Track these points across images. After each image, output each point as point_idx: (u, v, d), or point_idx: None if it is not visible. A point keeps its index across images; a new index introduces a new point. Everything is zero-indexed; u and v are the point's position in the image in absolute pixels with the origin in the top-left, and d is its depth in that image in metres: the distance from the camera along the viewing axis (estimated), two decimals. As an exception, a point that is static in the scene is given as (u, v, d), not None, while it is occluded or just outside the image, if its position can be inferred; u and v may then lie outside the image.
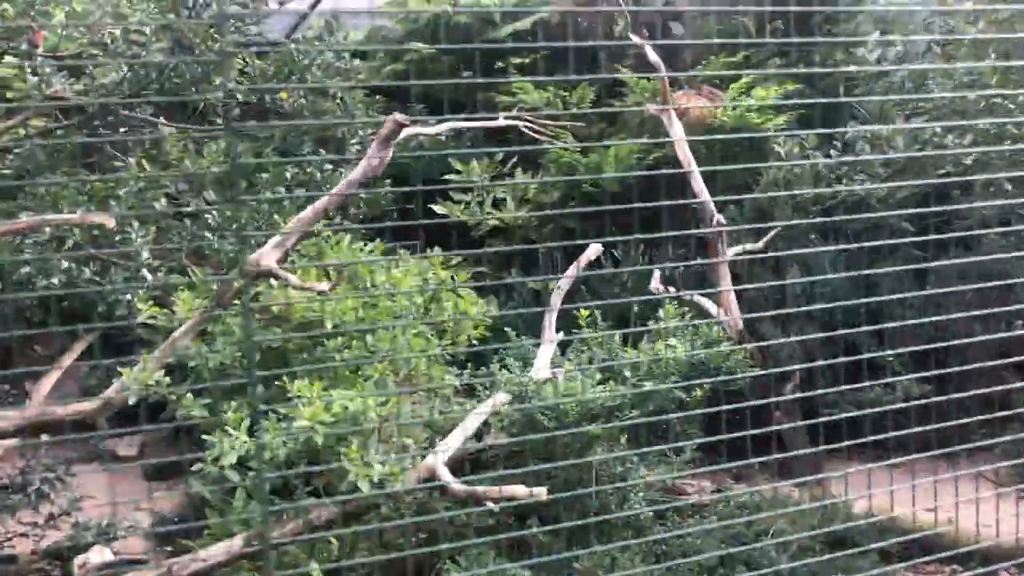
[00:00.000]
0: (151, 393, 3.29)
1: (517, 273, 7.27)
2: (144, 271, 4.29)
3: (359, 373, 3.49)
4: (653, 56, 6.23)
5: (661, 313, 4.69)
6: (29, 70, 5.48)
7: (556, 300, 4.53)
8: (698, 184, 6.19)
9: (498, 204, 7.59)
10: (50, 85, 5.54)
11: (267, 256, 3.53)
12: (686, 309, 5.30)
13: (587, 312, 4.29)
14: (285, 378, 3.18)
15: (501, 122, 4.87)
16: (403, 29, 8.56)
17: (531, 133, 4.97)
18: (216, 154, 6.10)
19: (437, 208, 7.36)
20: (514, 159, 7.56)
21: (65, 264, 4.25)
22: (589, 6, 7.87)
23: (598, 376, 3.89)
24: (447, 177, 7.50)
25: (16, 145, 5.79)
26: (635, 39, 6.23)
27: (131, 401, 3.30)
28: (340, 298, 3.61)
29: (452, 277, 4.45)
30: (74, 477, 4.53)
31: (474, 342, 4.13)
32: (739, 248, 6.35)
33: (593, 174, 7.23)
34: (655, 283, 6.28)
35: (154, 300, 3.72)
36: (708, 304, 6.23)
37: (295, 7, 7.98)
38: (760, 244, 6.38)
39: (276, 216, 4.45)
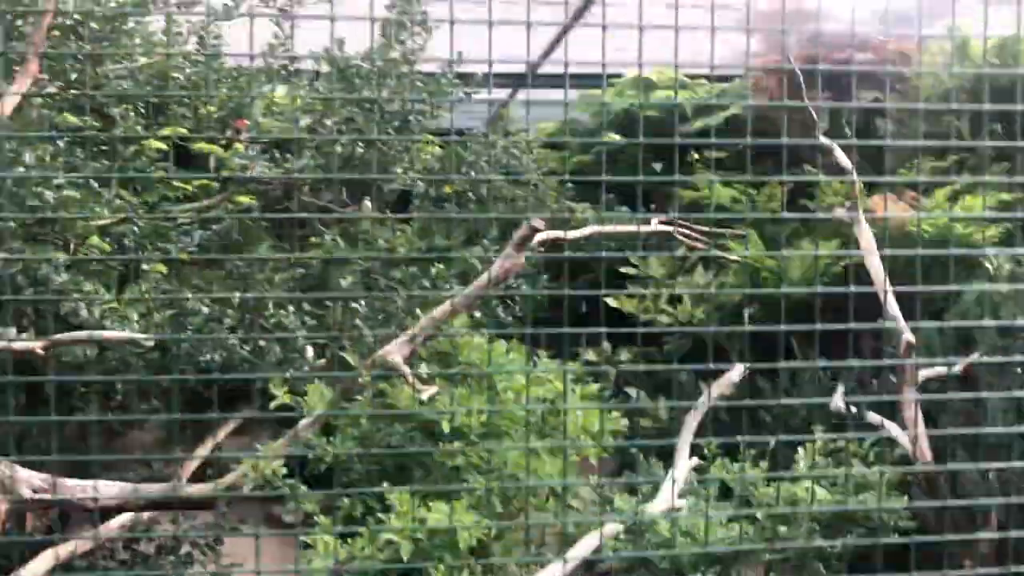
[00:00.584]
0: (268, 483, 3.34)
1: (687, 374, 6.96)
2: (299, 355, 4.42)
3: (465, 483, 3.39)
4: (843, 159, 5.86)
5: (815, 441, 4.26)
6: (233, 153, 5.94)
7: (692, 421, 4.23)
8: (887, 297, 5.68)
9: (675, 301, 7.36)
10: (251, 168, 5.97)
11: (395, 351, 3.52)
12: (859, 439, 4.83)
13: (713, 445, 3.96)
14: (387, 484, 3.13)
15: (654, 227, 4.69)
16: (594, 121, 8.60)
17: (684, 240, 4.76)
18: (407, 236, 6.34)
19: (611, 301, 7.23)
20: (695, 256, 7.33)
21: (232, 341, 4.47)
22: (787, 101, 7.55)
23: (728, 513, 3.57)
24: (623, 270, 7.38)
25: (220, 219, 6.27)
26: (823, 140, 5.88)
27: (246, 490, 3.36)
28: (464, 400, 3.55)
29: (590, 377, 4.27)
30: (220, 545, 4.67)
31: (591, 461, 3.91)
32: (932, 371, 5.75)
33: (776, 278, 6.86)
34: (836, 401, 5.80)
35: (288, 386, 3.81)
36: (895, 430, 5.67)
37: (494, 95, 8.23)
38: (958, 368, 5.75)
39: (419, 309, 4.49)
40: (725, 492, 4.14)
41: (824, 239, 6.85)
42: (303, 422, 3.56)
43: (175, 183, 6.12)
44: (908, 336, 5.61)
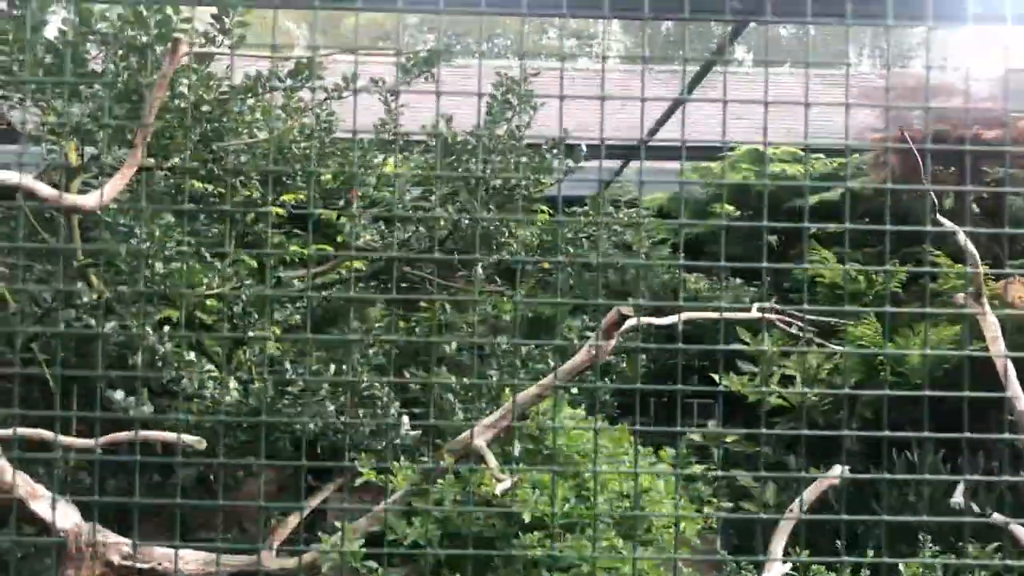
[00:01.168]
0: (348, 564, 3.34)
1: (797, 458, 6.67)
2: (391, 427, 4.44)
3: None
4: (968, 245, 5.56)
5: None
6: (346, 223, 6.13)
7: (786, 524, 4.00)
8: (1015, 389, 5.32)
9: (786, 381, 7.09)
10: (360, 237, 6.15)
11: (479, 435, 3.49)
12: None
13: (806, 552, 3.71)
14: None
15: (753, 314, 4.53)
16: (708, 193, 8.49)
17: (784, 328, 4.58)
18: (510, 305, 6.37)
19: (718, 378, 7.03)
20: (807, 335, 7.06)
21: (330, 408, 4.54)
22: (908, 180, 7.27)
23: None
24: (734, 347, 7.18)
25: (332, 284, 6.46)
26: (946, 223, 5.60)
27: (324, 568, 3.37)
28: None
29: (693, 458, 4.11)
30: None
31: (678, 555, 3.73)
32: (1066, 472, 5.32)
33: (895, 360, 6.52)
34: (958, 497, 5.44)
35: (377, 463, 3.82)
36: (1022, 534, 5.26)
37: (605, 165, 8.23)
38: (1094, 470, 5.31)
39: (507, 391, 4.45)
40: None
41: (946, 324, 6.50)
42: (384, 502, 3.55)
43: (291, 248, 6.35)
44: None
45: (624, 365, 6.34)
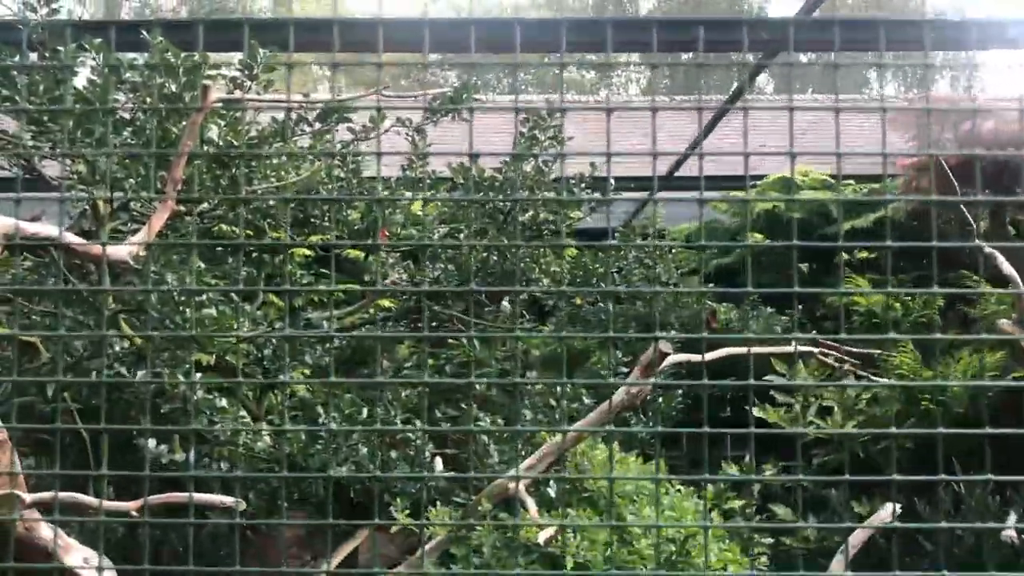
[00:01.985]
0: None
1: (839, 492, 6.51)
2: (424, 470, 4.37)
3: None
4: (1007, 267, 5.45)
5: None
6: (376, 262, 6.12)
7: (839, 567, 3.86)
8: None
9: (824, 413, 6.95)
10: (388, 276, 6.13)
11: (518, 480, 3.41)
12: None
13: None
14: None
15: (786, 348, 4.43)
16: (736, 222, 8.41)
17: (824, 360, 4.47)
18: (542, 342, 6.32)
19: (756, 412, 6.91)
20: (846, 366, 6.93)
21: (362, 451, 4.48)
22: (940, 203, 7.16)
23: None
24: (768, 379, 7.05)
25: (362, 325, 6.43)
26: (985, 247, 5.50)
27: (362, 618, 3.29)
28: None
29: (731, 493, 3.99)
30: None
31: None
32: (1120, 502, 5.16)
33: (935, 389, 6.37)
34: (1008, 533, 5.28)
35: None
36: (1076, 567, 5.08)
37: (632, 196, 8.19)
38: None
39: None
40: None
41: (989, 350, 6.35)
42: (425, 547, 3.48)
43: (321, 288, 6.33)
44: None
45: (660, 400, 6.23)
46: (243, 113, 3.94)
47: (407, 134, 5.04)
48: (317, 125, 4.09)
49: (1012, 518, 5.39)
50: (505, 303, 6.80)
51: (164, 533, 4.90)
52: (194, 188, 3.75)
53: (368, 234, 6.24)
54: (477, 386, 5.73)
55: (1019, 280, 5.44)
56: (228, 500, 2.55)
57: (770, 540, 6.13)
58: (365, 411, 4.25)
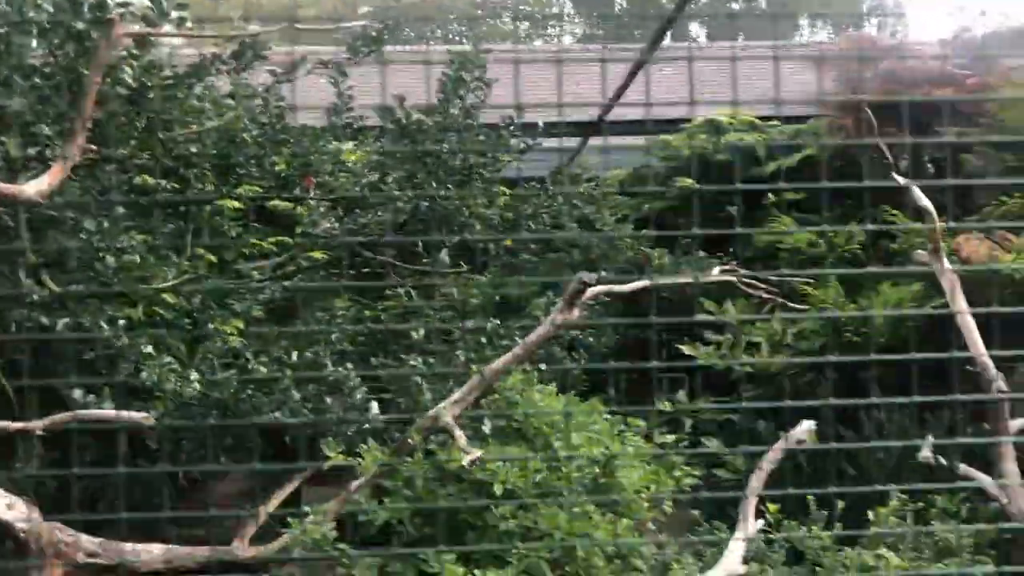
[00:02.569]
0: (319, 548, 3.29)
1: (767, 424, 6.71)
2: (359, 412, 4.39)
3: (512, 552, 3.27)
4: (923, 200, 5.60)
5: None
6: (303, 210, 6.05)
7: (756, 483, 4.02)
8: (973, 340, 5.37)
9: (752, 348, 7.12)
10: (318, 225, 6.07)
11: (446, 411, 3.46)
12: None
13: (775, 508, 3.74)
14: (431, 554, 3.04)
15: (715, 277, 4.53)
16: (667, 167, 8.50)
17: (747, 290, 4.59)
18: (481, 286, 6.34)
19: (685, 349, 7.05)
20: (772, 301, 7.10)
21: (297, 396, 4.48)
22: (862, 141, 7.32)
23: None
24: (699, 317, 7.19)
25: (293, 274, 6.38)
26: (900, 180, 5.65)
27: (295, 555, 3.32)
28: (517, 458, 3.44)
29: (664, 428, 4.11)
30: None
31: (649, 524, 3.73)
32: (1029, 420, 5.40)
33: (857, 321, 6.58)
34: (925, 452, 5.50)
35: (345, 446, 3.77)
36: (989, 485, 5.33)
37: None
38: (1058, 416, 5.39)
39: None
40: (799, 556, 3.90)
41: (908, 283, 6.55)
42: (354, 484, 3.52)
43: (252, 241, 6.26)
44: (998, 381, 5.30)
45: (592, 340, 6.33)
46: (156, 54, 3.85)
47: (328, 76, 4.97)
48: (233, 64, 4.01)
49: (929, 439, 5.59)
50: (443, 254, 6.81)
51: (98, 487, 4.86)
52: (110, 133, 3.67)
53: (293, 184, 6.17)
54: (414, 335, 5.76)
55: (934, 212, 5.61)
56: (136, 415, 2.55)
57: (702, 472, 6.33)
58: (295, 355, 4.24)
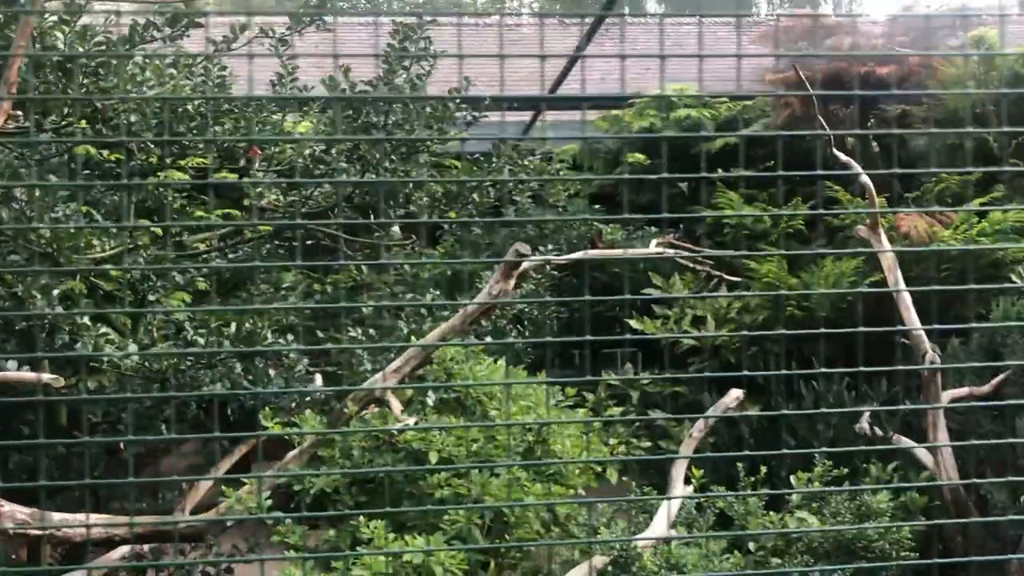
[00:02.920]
0: (254, 514, 3.31)
1: (712, 397, 6.82)
2: (300, 384, 4.39)
3: (443, 518, 3.31)
4: (863, 178, 5.71)
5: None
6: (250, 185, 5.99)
7: (687, 448, 4.11)
8: (908, 314, 5.51)
9: (697, 322, 7.23)
10: (264, 197, 6.03)
11: (383, 381, 3.48)
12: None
13: (699, 472, 3.83)
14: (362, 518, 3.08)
15: (652, 251, 4.59)
16: (616, 144, 8.55)
17: (685, 262, 4.65)
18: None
19: (634, 323, 7.14)
20: (716, 280, 7.21)
21: (237, 369, 4.46)
22: (806, 118, 7.42)
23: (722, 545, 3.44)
24: (647, 291, 7.28)
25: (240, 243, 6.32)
26: (841, 156, 5.75)
27: (229, 523, 3.34)
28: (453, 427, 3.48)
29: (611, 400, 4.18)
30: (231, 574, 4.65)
31: (581, 491, 3.79)
32: (960, 392, 5.57)
33: (800, 295, 6.71)
34: (863, 423, 5.65)
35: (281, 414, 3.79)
36: (922, 454, 5.49)
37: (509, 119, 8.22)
38: (987, 388, 5.56)
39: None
40: (728, 521, 4.00)
41: (849, 258, 6.68)
42: (291, 453, 3.53)
43: (198, 212, 6.19)
44: (930, 353, 5.44)
45: (536, 314, 6.37)
46: (94, 21, 3.78)
47: (270, 45, 4.92)
48: (167, 31, 3.96)
49: (867, 411, 5.74)
50: (395, 228, 6.79)
51: (36, 463, 4.81)
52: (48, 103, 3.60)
53: (239, 155, 6.10)
54: (363, 309, 5.77)
55: (872, 189, 5.72)
56: (47, 377, 2.54)
57: (648, 444, 6.43)
58: (234, 326, 4.23)
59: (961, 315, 6.01)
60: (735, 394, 4.38)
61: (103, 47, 3.70)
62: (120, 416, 4.45)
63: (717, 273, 7.07)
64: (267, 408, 3.79)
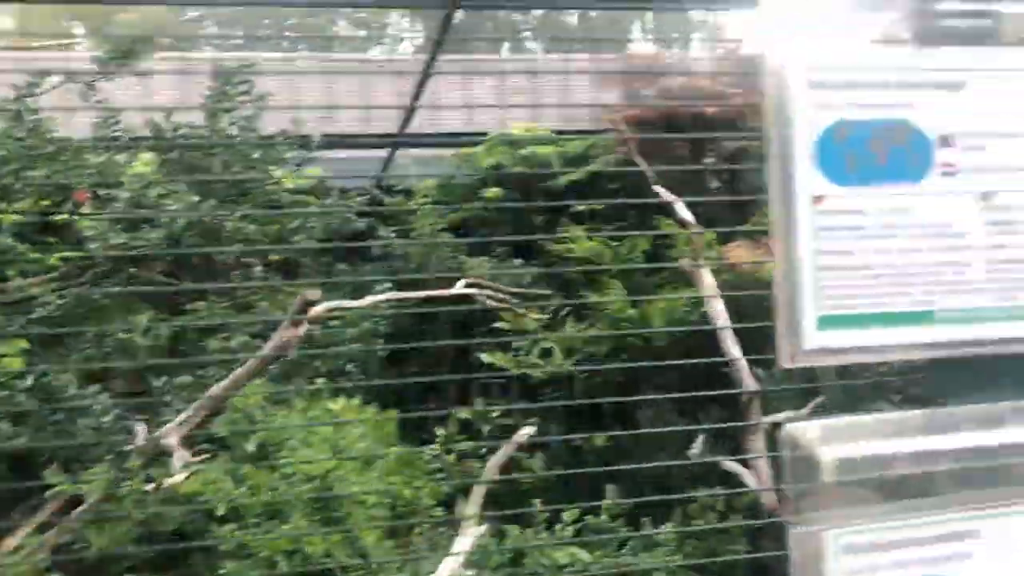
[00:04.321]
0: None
1: (558, 429, 6.96)
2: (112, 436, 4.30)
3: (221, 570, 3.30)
4: (684, 212, 5.96)
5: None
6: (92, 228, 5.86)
7: (480, 489, 4.18)
8: (727, 344, 5.76)
9: (546, 354, 7.36)
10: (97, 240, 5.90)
11: (171, 433, 3.45)
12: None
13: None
14: None
15: (458, 290, 4.68)
16: (471, 179, 8.67)
17: (489, 302, 4.77)
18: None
19: (485, 357, 7.22)
20: (566, 310, 7.37)
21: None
22: (645, 155, 7.69)
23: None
24: (497, 326, 7.38)
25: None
26: (663, 193, 5.99)
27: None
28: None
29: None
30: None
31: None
32: (780, 416, 5.82)
33: (640, 328, 6.92)
34: (696, 448, 5.86)
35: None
36: (746, 475, 5.72)
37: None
38: (804, 412, 5.82)
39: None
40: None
41: (683, 288, 6.92)
42: (76, 511, 3.46)
43: (32, 257, 6.03)
44: (749, 381, 5.69)
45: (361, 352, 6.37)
46: None
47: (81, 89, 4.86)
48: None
49: (699, 439, 5.94)
50: (256, 268, 6.73)
51: None
52: None
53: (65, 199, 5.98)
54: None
55: (694, 222, 5.97)
56: None
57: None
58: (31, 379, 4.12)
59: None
60: (528, 430, 4.49)
61: None
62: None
63: (569, 303, 7.23)
64: (56, 464, 3.69)
